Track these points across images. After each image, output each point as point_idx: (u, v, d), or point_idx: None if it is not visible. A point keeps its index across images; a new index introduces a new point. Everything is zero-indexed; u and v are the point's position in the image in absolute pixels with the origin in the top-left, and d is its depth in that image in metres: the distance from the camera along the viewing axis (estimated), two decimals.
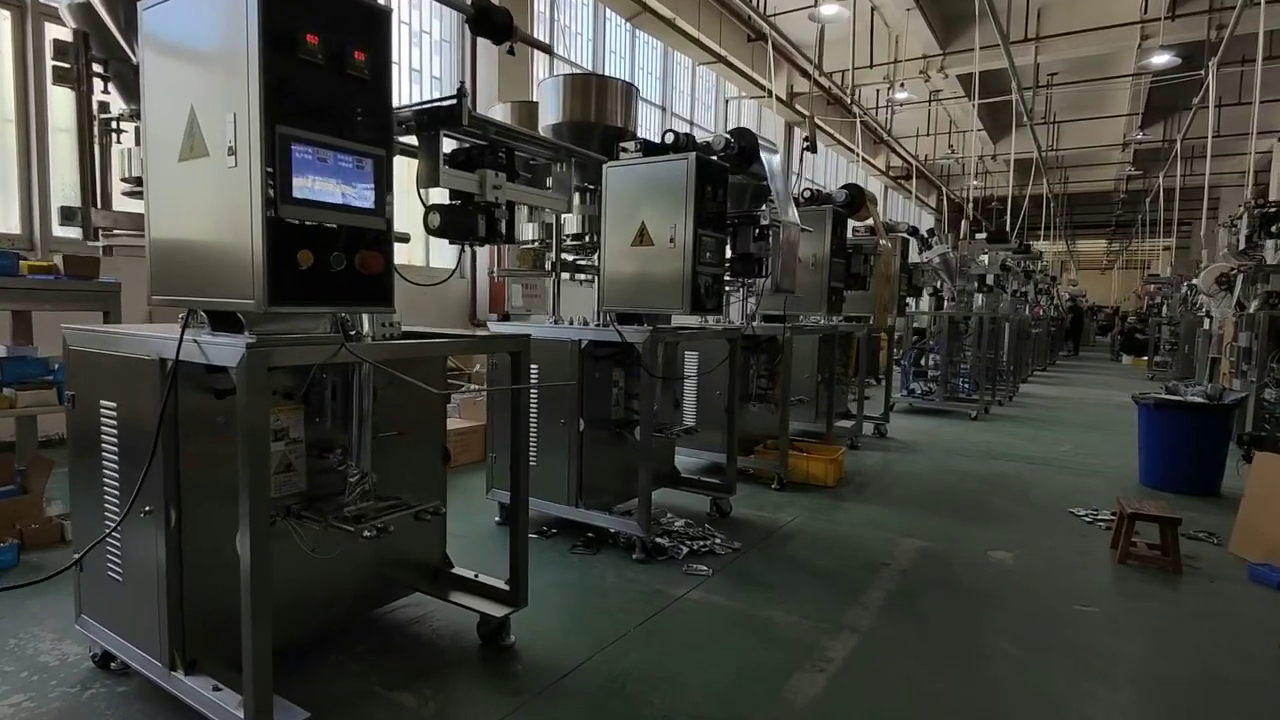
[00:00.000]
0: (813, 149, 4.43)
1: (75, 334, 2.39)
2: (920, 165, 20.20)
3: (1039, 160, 18.41)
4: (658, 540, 3.86)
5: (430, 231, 2.07)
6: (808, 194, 5.18)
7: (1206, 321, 11.46)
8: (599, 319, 3.84)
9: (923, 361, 9.63)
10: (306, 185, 1.62)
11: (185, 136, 1.70)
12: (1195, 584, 3.73)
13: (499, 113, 4.23)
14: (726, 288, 3.99)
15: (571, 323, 4.05)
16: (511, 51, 2.22)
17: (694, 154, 3.32)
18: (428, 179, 1.95)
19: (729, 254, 3.87)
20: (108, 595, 2.39)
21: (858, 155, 17.37)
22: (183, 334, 1.89)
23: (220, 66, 1.63)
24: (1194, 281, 13.39)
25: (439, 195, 2.17)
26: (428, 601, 3.04)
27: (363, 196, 1.74)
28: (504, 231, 2.15)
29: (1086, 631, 3.12)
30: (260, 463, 1.85)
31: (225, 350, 1.82)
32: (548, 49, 2.54)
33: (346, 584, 2.77)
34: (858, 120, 13.57)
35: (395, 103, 1.84)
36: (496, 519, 4.26)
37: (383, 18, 1.77)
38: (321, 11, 1.64)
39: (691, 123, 13.92)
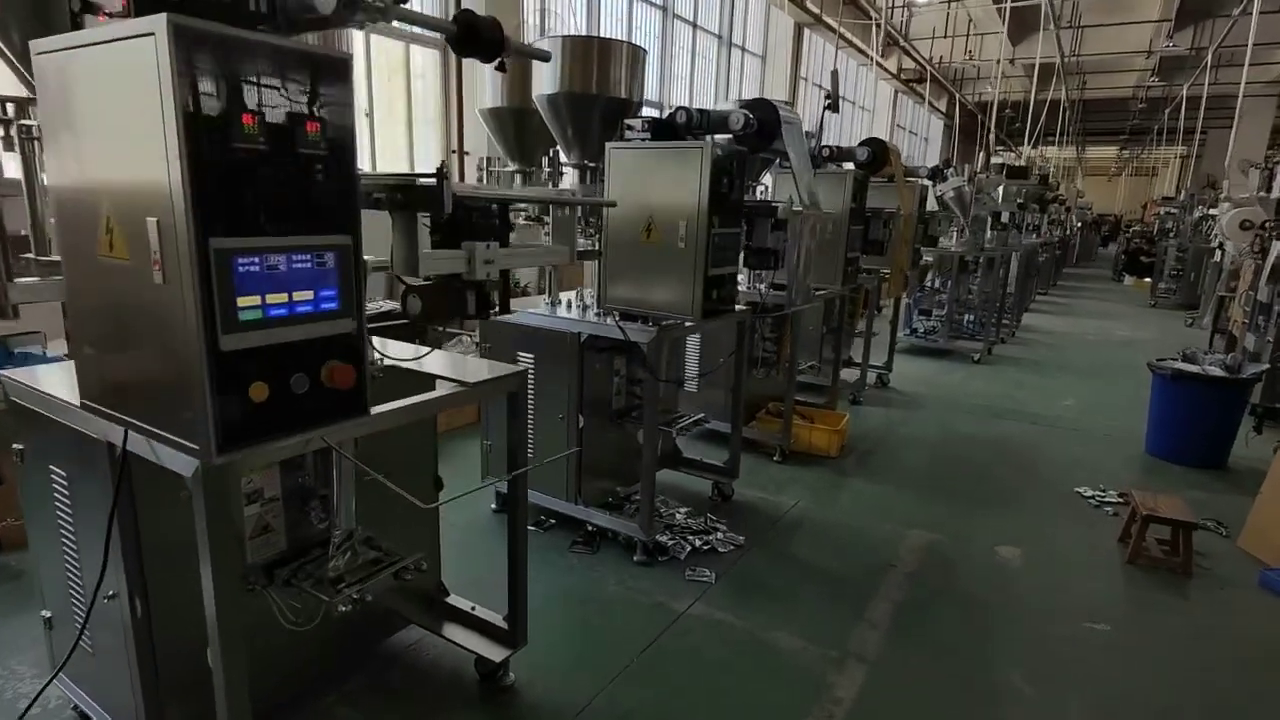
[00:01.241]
0: (835, 108, 3.99)
1: (15, 387, 2.11)
2: (934, 69, 19.05)
3: (1060, 66, 17.37)
4: (659, 539, 3.75)
5: (410, 319, 1.77)
6: (826, 151, 4.75)
7: (1218, 253, 11.13)
8: (599, 309, 3.55)
9: (926, 283, 9.21)
10: (255, 303, 1.32)
11: (102, 229, 1.38)
12: (1206, 590, 3.67)
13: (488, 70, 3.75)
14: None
15: (570, 307, 3.76)
16: (502, 68, 1.84)
17: (710, 141, 2.93)
18: (404, 265, 1.62)
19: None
20: (82, 661, 2.24)
21: (871, 60, 16.33)
22: (127, 433, 1.63)
23: (134, 160, 1.29)
24: (1211, 211, 12.93)
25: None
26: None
27: (327, 298, 1.44)
28: (498, 303, 1.85)
29: (1098, 659, 3.06)
30: (225, 587, 1.64)
31: (179, 458, 1.57)
32: (544, 56, 2.13)
33: (334, 624, 2.63)
34: (875, 24, 12.57)
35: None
36: (493, 506, 4.13)
37: (341, 71, 1.40)
38: (260, 79, 1.28)
39: (695, 25, 12.91)
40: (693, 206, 3.00)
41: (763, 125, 3.31)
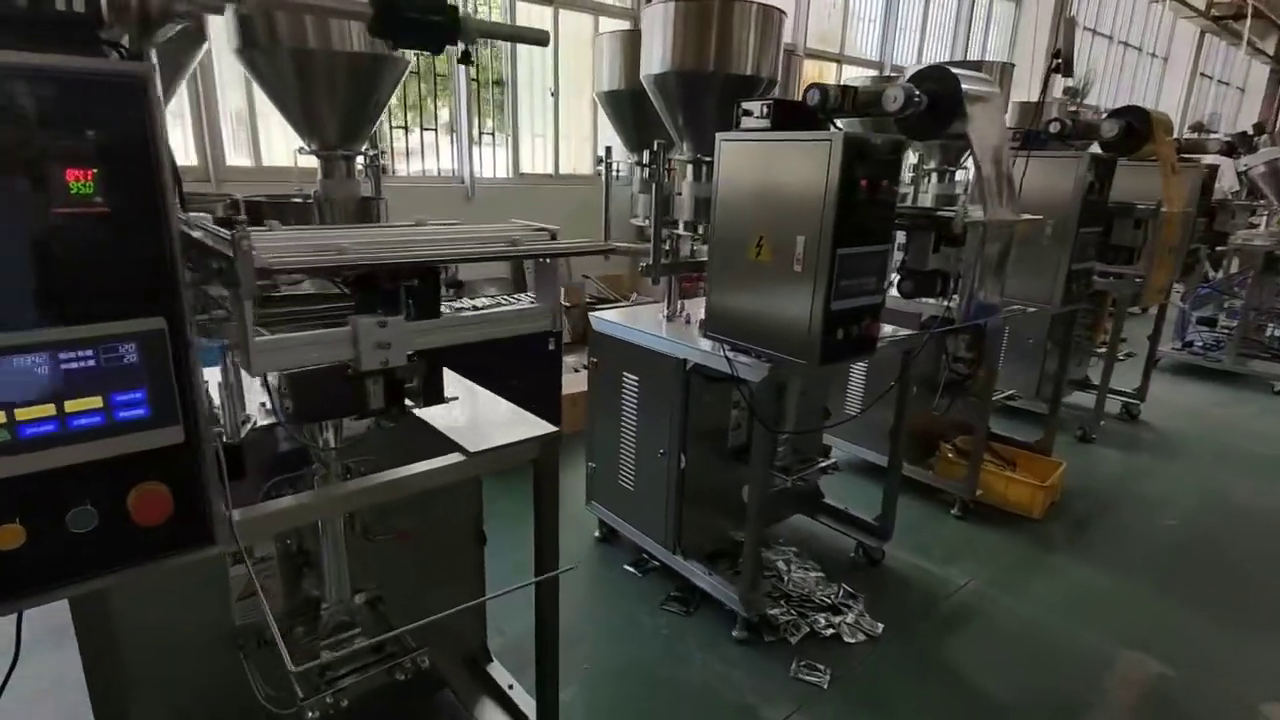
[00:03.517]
0: (1067, 70, 2.91)
1: None
2: (1259, 1, 14.92)
3: None
4: (769, 613, 3.10)
5: (291, 419, 1.34)
6: (1056, 125, 3.58)
7: None
8: (705, 333, 2.93)
9: (1214, 272, 7.05)
10: None
11: None
12: None
13: (605, 44, 3.24)
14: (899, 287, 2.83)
15: (689, 321, 3.20)
16: (467, 59, 1.32)
17: (841, 134, 2.16)
18: (244, 360, 1.18)
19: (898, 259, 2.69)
20: None
21: None
22: None
23: None
24: None
25: None
26: None
27: (128, 404, 1.06)
28: (424, 390, 1.35)
29: None
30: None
31: None
32: (539, 39, 1.56)
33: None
34: None
35: None
36: (596, 534, 3.73)
37: (131, 93, 0.98)
38: None
39: None
40: (813, 218, 2.25)
41: (936, 103, 2.43)
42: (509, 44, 7.03)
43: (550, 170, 7.77)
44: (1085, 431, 5.30)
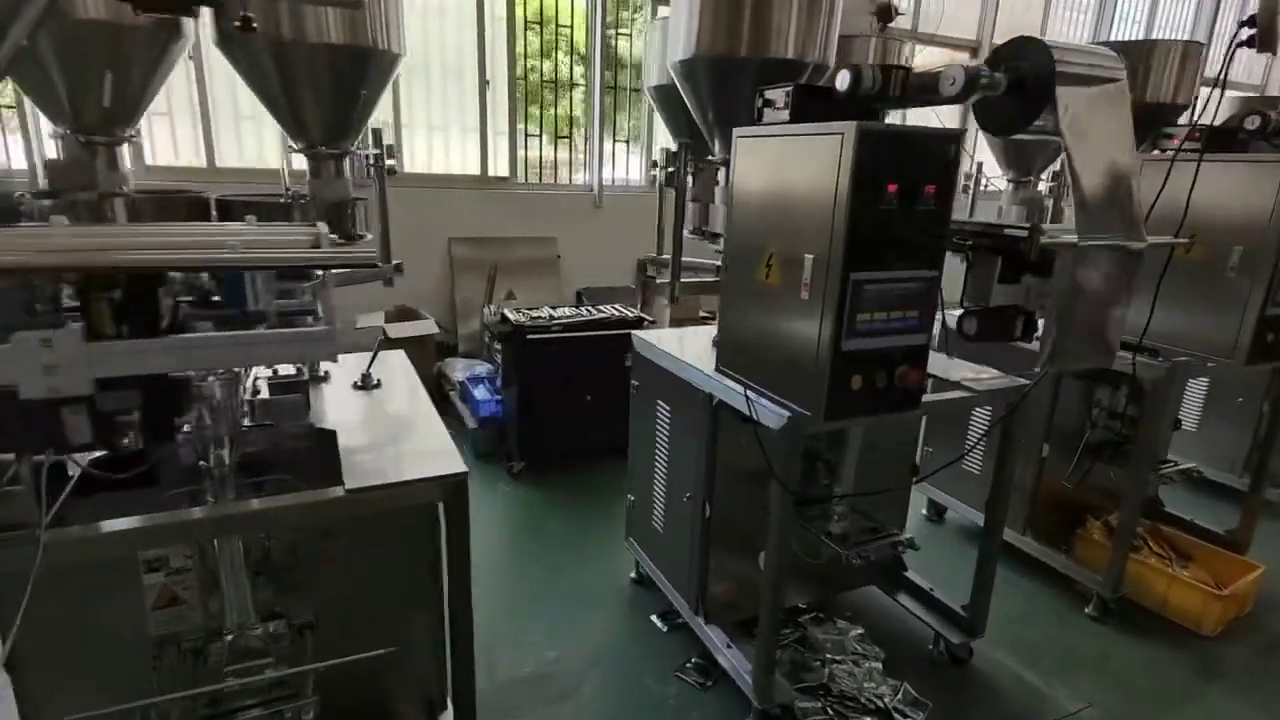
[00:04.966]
0: (1264, 45, 2.11)
1: None
2: None
3: None
4: (799, 704, 2.58)
5: None
6: (1255, 120, 2.64)
7: None
8: (718, 367, 2.50)
9: None
10: None
11: None
12: None
13: (656, 34, 2.91)
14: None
15: None
16: (248, 26, 1.08)
17: (855, 125, 1.66)
18: None
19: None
20: None
21: None
22: None
23: None
24: None
25: None
26: None
27: None
28: (142, 426, 1.10)
29: None
30: None
31: None
32: (349, 1, 1.27)
33: None
34: None
35: None
36: (632, 575, 3.39)
37: None
38: None
39: None
40: (822, 232, 1.77)
41: (1021, 86, 1.83)
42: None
43: None
44: None
